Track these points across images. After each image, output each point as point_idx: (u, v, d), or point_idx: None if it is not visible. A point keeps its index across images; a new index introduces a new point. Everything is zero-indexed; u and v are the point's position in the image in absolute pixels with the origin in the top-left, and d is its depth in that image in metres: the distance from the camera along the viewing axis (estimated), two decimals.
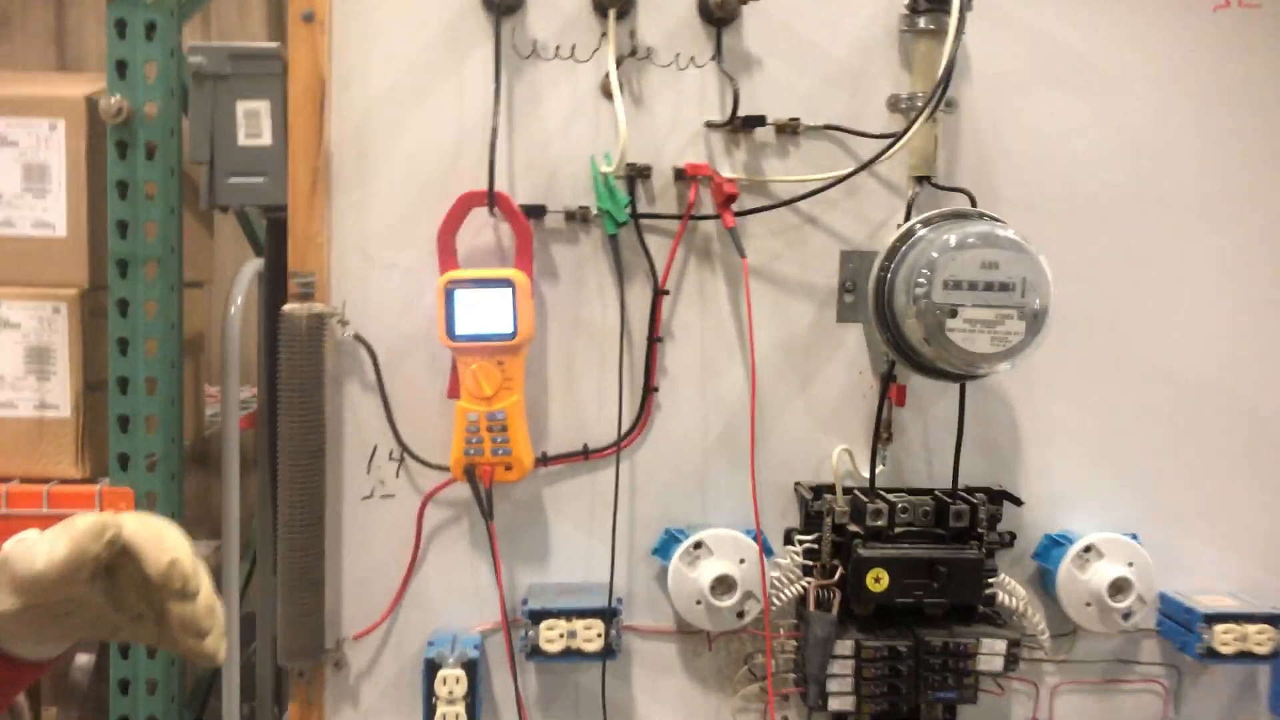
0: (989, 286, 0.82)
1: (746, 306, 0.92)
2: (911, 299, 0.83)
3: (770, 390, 0.96)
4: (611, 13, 0.90)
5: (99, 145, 0.97)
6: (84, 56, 1.70)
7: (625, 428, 0.94)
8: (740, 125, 0.92)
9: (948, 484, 0.94)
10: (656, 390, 0.95)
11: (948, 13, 0.86)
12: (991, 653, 0.91)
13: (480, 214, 0.92)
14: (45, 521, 0.55)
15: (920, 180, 0.93)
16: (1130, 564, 0.94)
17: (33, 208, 0.98)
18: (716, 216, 0.92)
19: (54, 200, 0.98)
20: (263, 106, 0.92)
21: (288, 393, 0.88)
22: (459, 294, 0.87)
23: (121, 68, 0.94)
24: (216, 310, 1.14)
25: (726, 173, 0.93)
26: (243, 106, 0.92)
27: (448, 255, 0.90)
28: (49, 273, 0.98)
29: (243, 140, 0.92)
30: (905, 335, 0.86)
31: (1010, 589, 0.94)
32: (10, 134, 0.97)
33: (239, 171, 0.93)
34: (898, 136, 0.87)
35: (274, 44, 0.95)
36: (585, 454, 0.95)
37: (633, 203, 0.92)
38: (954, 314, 0.81)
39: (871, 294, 0.91)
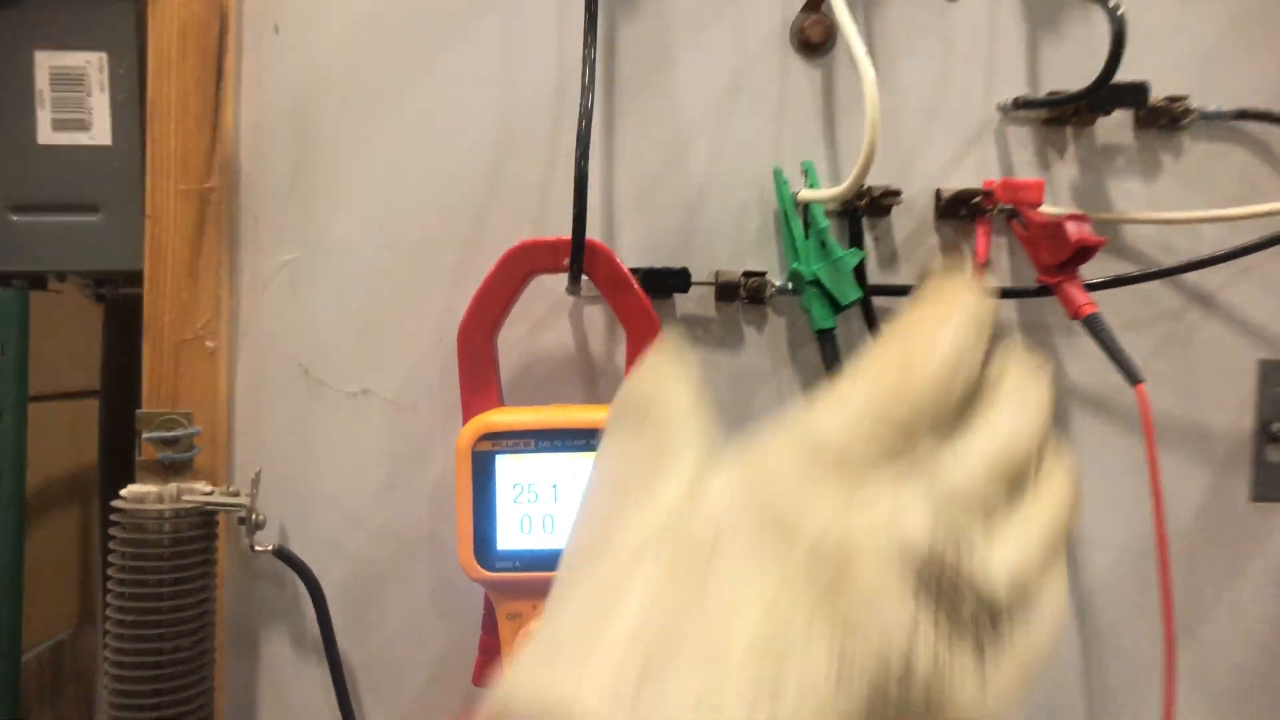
0: None
1: (1153, 485, 0.41)
2: None
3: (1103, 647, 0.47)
4: None
5: None
6: None
7: None
8: (1091, 105, 0.44)
9: None
10: None
11: None
12: None
13: (548, 290, 0.44)
14: None
15: None
16: None
17: None
18: (1040, 292, 0.45)
19: None
20: (93, 63, 0.44)
21: (129, 676, 0.39)
22: (505, 464, 0.39)
23: None
24: None
25: (1055, 205, 0.46)
26: (49, 61, 0.44)
27: (480, 379, 0.42)
28: None
29: (49, 135, 0.44)
30: None
31: None
32: None
33: (38, 204, 0.45)
34: None
35: None
36: None
37: (862, 267, 0.45)
38: None
39: None
